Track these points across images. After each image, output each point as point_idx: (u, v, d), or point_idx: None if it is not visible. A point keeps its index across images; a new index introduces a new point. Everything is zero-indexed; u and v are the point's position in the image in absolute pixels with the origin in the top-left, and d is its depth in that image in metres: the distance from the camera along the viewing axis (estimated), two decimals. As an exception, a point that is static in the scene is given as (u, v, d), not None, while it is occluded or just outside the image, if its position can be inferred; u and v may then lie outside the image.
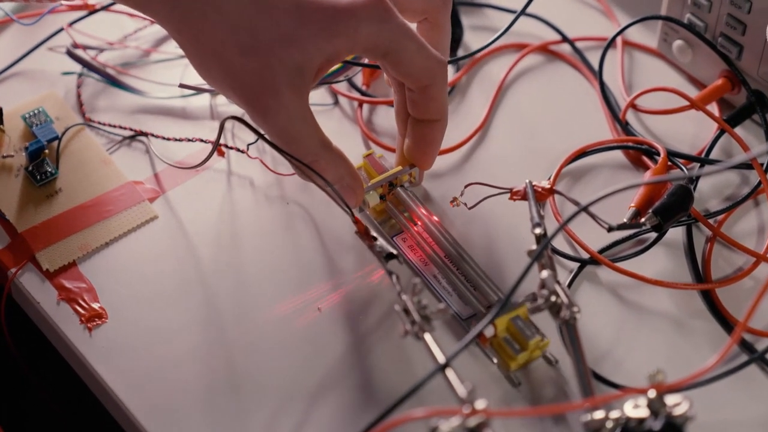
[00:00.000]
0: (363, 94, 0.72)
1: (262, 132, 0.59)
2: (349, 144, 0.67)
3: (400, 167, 0.64)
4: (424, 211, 0.64)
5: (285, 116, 0.57)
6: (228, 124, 0.69)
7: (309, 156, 0.58)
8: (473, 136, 0.70)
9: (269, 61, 0.56)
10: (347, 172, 0.60)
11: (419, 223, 0.64)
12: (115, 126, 0.69)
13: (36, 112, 0.69)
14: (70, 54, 0.72)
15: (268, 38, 0.56)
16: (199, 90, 0.70)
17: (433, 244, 0.63)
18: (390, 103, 0.70)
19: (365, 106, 0.72)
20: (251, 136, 0.66)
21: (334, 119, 0.71)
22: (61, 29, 0.71)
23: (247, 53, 0.56)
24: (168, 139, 0.69)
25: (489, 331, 0.57)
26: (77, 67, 0.72)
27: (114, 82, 0.72)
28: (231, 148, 0.68)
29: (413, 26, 0.60)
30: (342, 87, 0.72)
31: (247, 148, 0.67)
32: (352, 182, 0.60)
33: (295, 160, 0.58)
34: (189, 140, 0.68)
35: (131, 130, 0.69)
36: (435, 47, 0.60)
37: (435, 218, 0.64)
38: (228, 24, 0.56)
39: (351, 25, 0.56)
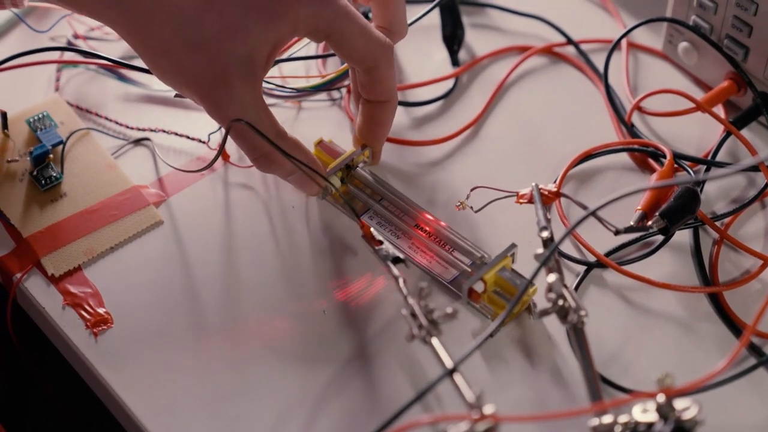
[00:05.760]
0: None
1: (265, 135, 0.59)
2: (346, 134, 0.69)
3: (352, 150, 0.65)
4: (384, 187, 0.64)
5: (237, 107, 0.57)
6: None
7: (263, 147, 0.58)
8: (467, 128, 0.70)
9: (217, 54, 0.56)
10: (306, 159, 0.60)
11: (383, 198, 0.64)
12: (111, 120, 0.69)
13: (40, 116, 0.69)
14: (72, 46, 0.72)
15: (213, 31, 0.56)
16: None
17: (402, 215, 0.63)
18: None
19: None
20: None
21: (335, 114, 0.71)
22: (67, 43, 0.70)
23: (194, 48, 0.56)
24: (171, 134, 0.69)
25: (479, 287, 0.57)
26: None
27: (117, 75, 0.72)
28: (193, 139, 0.68)
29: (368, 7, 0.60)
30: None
31: (209, 139, 0.68)
32: (314, 168, 0.60)
33: (255, 156, 0.59)
34: (193, 139, 0.68)
35: (135, 129, 0.69)
36: (390, 25, 0.61)
37: (396, 193, 0.64)
38: (174, 21, 0.56)
39: (291, 9, 0.57)
